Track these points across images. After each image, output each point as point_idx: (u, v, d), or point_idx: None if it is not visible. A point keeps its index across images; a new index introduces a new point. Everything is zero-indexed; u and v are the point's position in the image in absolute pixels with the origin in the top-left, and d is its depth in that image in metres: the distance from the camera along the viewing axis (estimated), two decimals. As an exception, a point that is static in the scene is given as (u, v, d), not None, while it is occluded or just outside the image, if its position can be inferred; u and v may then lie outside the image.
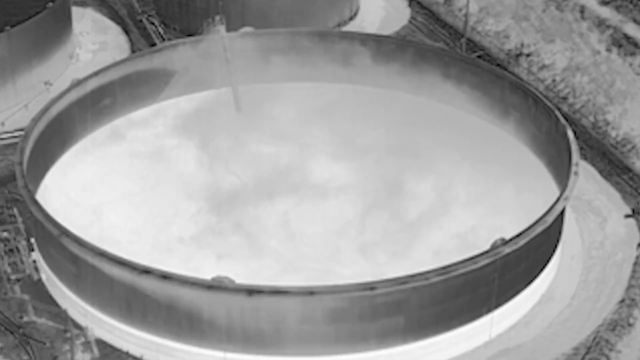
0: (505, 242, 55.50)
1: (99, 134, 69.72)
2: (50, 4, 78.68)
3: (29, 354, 56.64)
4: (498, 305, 57.23)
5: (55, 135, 66.10)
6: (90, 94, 68.69)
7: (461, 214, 63.57)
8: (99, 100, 69.43)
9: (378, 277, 54.50)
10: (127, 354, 56.72)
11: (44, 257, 60.43)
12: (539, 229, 56.64)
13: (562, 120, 64.67)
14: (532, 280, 59.26)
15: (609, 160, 72.34)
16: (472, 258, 54.44)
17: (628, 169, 71.42)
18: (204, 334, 54.53)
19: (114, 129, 70.33)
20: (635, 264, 63.23)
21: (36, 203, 58.18)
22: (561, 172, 62.63)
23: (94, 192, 65.42)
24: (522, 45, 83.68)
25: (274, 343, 54.29)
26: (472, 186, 65.17)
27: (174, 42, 75.57)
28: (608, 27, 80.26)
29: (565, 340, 58.06)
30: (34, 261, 61.53)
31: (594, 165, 71.82)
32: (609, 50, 78.90)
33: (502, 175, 64.93)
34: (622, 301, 60.55)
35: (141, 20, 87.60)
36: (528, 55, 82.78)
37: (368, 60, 72.91)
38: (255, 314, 53.58)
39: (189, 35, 79.06)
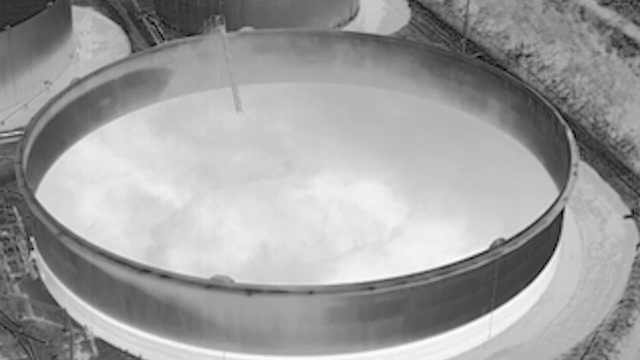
0: (504, 242, 55.48)
1: (98, 133, 69.75)
2: (50, 3, 78.67)
3: (28, 353, 56.59)
4: (497, 305, 57.21)
5: (55, 134, 66.10)
6: (90, 94, 68.72)
7: (460, 214, 63.57)
8: (98, 100, 69.45)
9: (377, 276, 54.46)
10: (126, 353, 56.70)
11: (43, 256, 60.39)
12: (539, 229, 56.63)
13: (562, 121, 64.69)
14: (531, 281, 59.25)
15: (608, 161, 72.34)
16: (471, 258, 54.42)
17: (627, 170, 71.41)
18: (203, 333, 54.49)
19: (113, 129, 70.34)
20: (634, 264, 63.24)
21: (36, 202, 58.15)
22: (560, 172, 62.65)
23: (93, 191, 65.44)
24: (522, 46, 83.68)
25: (273, 342, 54.24)
26: (471, 186, 65.15)
27: (173, 42, 75.61)
28: (608, 28, 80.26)
29: (564, 341, 58.04)
30: (34, 260, 61.52)
31: (593, 166, 71.83)
32: (608, 51, 78.89)
33: (502, 176, 64.93)
34: (621, 302, 60.54)
35: (141, 20, 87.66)
36: (528, 56, 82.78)
37: (368, 60, 72.93)
38: (255, 313, 53.55)
39: (189, 35, 79.08)
